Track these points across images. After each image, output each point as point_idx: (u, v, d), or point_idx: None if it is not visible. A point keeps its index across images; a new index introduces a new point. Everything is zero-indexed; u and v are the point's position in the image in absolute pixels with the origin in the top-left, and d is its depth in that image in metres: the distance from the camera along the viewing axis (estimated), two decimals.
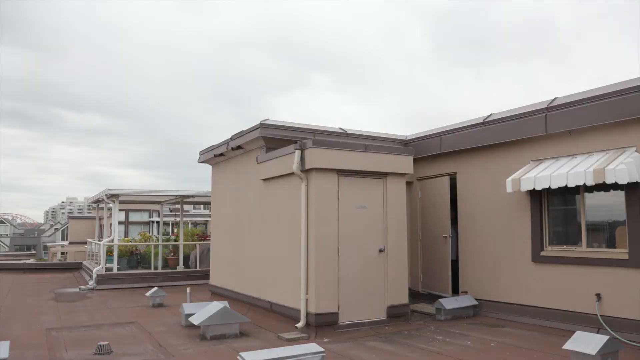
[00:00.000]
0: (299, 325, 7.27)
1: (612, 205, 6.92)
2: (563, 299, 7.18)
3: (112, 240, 14.11)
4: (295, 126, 8.97)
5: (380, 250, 7.82)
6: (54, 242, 44.59)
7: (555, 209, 7.63)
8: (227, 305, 7.61)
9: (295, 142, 7.69)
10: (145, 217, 28.08)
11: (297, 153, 7.44)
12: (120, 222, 22.36)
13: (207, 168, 12.16)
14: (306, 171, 7.48)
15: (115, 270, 13.76)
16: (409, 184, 9.91)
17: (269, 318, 8.25)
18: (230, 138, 9.98)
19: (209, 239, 13.73)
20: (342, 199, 7.57)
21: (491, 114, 8.59)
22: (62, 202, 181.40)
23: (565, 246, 7.38)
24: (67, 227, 36.76)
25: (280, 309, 8.07)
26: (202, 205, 30.74)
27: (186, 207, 22.56)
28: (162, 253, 15.17)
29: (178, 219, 18.47)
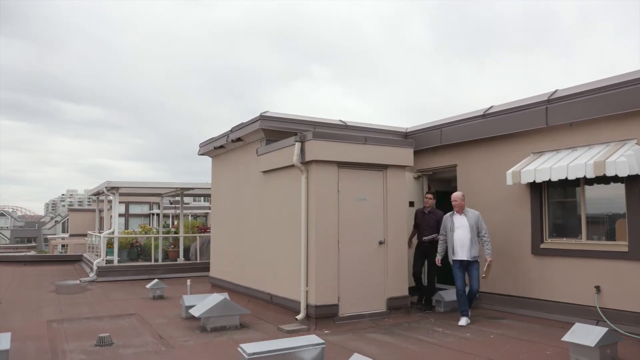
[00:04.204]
0: (299, 317, 7.29)
1: (612, 198, 6.91)
2: (562, 291, 7.19)
3: (113, 233, 14.13)
4: (295, 118, 8.95)
5: (380, 243, 7.82)
6: (55, 234, 44.68)
7: (555, 201, 7.63)
8: (227, 297, 7.64)
9: (296, 134, 7.68)
10: (145, 209, 28.12)
11: (297, 145, 7.43)
12: (120, 215, 22.41)
13: (207, 160, 12.15)
14: (306, 163, 7.47)
15: (115, 263, 13.79)
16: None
17: (269, 310, 8.27)
18: (230, 130, 9.96)
19: (209, 231, 13.75)
20: (342, 191, 7.56)
21: (492, 106, 8.56)
22: (62, 194, 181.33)
23: (565, 239, 7.38)
24: (68, 219, 36.82)
25: (280, 301, 8.09)
26: (202, 198, 30.77)
27: (186, 199, 22.57)
28: (162, 245, 15.19)
29: (178, 211, 18.49)
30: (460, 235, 7.35)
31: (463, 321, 7.22)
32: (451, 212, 7.55)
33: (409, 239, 8.68)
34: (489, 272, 7.33)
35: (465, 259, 7.30)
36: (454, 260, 7.42)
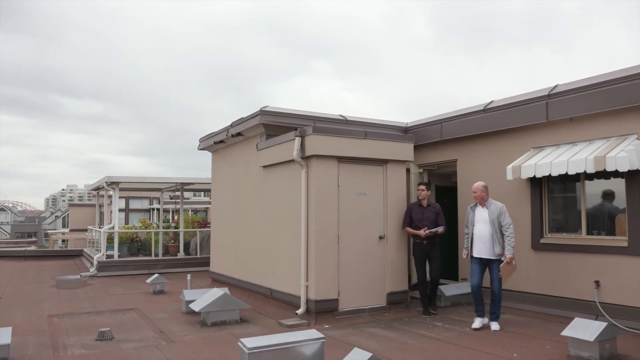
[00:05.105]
0: (299, 311, 7.30)
1: (612, 193, 6.91)
2: (562, 286, 7.20)
3: (113, 228, 14.14)
4: (295, 113, 8.94)
5: (380, 237, 7.83)
6: (55, 229, 44.71)
7: (555, 196, 7.63)
8: (228, 292, 7.65)
9: (296, 129, 7.66)
10: (145, 204, 28.10)
11: (297, 140, 7.42)
12: (120, 210, 22.41)
13: (207, 155, 12.15)
14: (306, 158, 7.47)
15: (115, 257, 13.81)
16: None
17: (269, 305, 8.29)
18: (230, 125, 9.95)
19: (209, 226, 13.76)
20: (342, 186, 7.56)
21: (492, 101, 8.54)
22: (63, 189, 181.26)
23: (564, 234, 7.39)
24: (68, 214, 36.85)
25: (280, 295, 8.11)
26: (202, 193, 30.76)
27: (186, 194, 22.56)
28: (162, 240, 15.21)
29: (178, 206, 18.49)
30: (479, 230, 6.70)
31: (477, 323, 6.60)
32: (473, 204, 6.95)
33: (412, 235, 7.88)
34: (508, 272, 6.52)
35: (484, 256, 6.63)
36: (471, 257, 6.83)
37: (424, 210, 7.78)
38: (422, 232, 7.57)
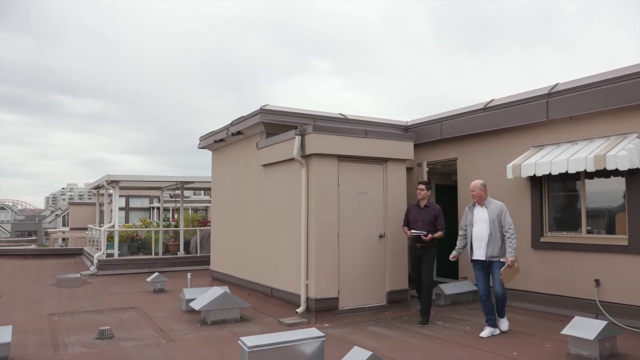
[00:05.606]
0: (299, 310, 7.31)
1: (613, 192, 6.90)
2: (562, 284, 7.20)
3: (113, 226, 14.15)
4: (295, 112, 8.94)
5: (381, 236, 7.83)
6: (55, 228, 44.76)
7: (555, 195, 7.63)
8: (228, 291, 7.65)
9: (296, 127, 7.66)
10: (145, 203, 28.10)
11: (298, 138, 7.42)
12: (120, 208, 22.42)
13: (207, 154, 12.16)
14: (306, 157, 7.46)
15: (116, 256, 13.82)
16: (409, 169, 9.86)
17: (269, 303, 8.29)
18: (231, 124, 9.95)
19: (210, 225, 13.76)
20: (342, 185, 7.56)
21: (492, 100, 8.54)
22: (63, 188, 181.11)
23: (565, 232, 7.39)
24: (68, 213, 36.89)
25: (280, 294, 8.11)
26: (202, 191, 30.76)
27: (186, 193, 22.57)
28: (162, 239, 15.22)
29: (178, 204, 18.49)
30: (478, 230, 6.31)
31: (486, 332, 6.15)
32: (471, 205, 6.57)
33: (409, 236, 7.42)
34: (510, 275, 6.12)
35: (484, 258, 6.25)
36: (472, 261, 6.44)
37: (421, 211, 7.23)
38: (407, 232, 7.25)
